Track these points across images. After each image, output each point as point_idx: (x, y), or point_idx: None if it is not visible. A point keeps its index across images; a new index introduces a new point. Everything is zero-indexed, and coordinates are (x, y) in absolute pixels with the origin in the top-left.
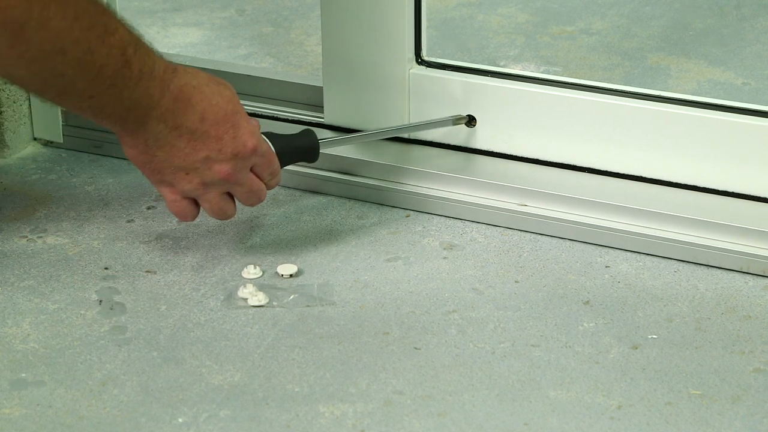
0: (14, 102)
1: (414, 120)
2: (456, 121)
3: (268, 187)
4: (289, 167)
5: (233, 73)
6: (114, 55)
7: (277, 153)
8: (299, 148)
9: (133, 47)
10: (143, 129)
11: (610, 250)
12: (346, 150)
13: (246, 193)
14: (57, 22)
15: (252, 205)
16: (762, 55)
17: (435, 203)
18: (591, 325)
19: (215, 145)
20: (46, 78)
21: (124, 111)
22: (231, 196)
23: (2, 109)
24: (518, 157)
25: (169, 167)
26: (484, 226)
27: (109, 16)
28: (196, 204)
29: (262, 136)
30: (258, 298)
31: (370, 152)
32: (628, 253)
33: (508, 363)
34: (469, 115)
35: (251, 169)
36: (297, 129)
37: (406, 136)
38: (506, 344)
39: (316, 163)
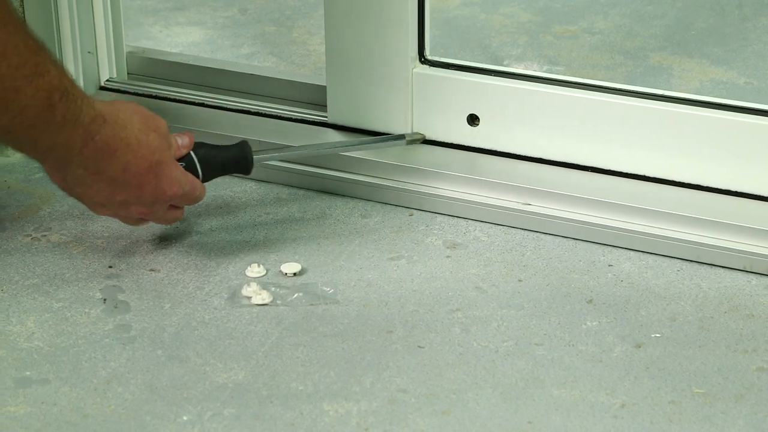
0: None
1: (417, 120)
2: (410, 138)
3: (189, 205)
4: (291, 167)
5: (236, 72)
6: (39, 97)
7: (202, 166)
8: (228, 160)
9: (59, 93)
10: (63, 170)
11: (614, 249)
12: (349, 149)
13: (160, 220)
14: None
15: (165, 223)
16: (764, 55)
17: (438, 202)
18: (594, 323)
19: (135, 192)
20: None
21: (44, 151)
22: None
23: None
24: (521, 156)
25: (88, 200)
26: (487, 225)
27: (42, 57)
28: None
29: (191, 153)
30: (262, 297)
31: (373, 151)
32: (632, 252)
33: (512, 361)
34: (471, 115)
35: (171, 204)
36: (300, 128)
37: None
38: (510, 343)
39: (319, 162)
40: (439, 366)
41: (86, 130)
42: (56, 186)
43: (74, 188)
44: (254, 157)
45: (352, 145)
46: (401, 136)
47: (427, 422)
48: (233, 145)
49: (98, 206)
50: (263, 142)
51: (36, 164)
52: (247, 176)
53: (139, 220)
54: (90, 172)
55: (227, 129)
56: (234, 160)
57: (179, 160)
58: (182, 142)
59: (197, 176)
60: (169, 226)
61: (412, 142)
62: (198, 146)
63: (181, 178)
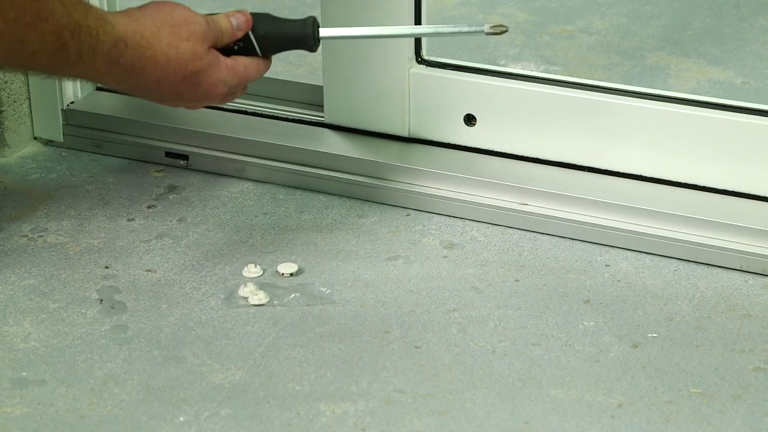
0: (14, 101)
1: (414, 120)
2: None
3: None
4: (289, 167)
5: None
6: (48, 41)
7: (261, 45)
8: (291, 36)
9: (69, 31)
10: (106, 82)
11: (610, 248)
12: (346, 149)
13: (220, 103)
14: None
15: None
16: (761, 55)
17: (435, 202)
18: (591, 323)
19: (176, 99)
20: None
21: (74, 77)
22: None
23: (2, 109)
24: (518, 156)
25: (145, 97)
26: (484, 225)
27: (42, 2)
28: None
29: (249, 33)
30: (258, 297)
31: (370, 151)
32: (628, 252)
33: (509, 362)
34: (468, 115)
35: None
36: (298, 128)
37: (406, 135)
38: (507, 343)
39: (316, 162)
40: (436, 366)
41: (107, 57)
42: None
43: (132, 93)
44: (320, 35)
45: (428, 33)
46: (480, 29)
47: (423, 422)
48: (297, 20)
49: (158, 100)
50: (260, 142)
51: (33, 164)
52: (311, 52)
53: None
54: (127, 86)
55: (224, 129)
56: (297, 36)
57: (235, 42)
58: (237, 24)
59: (256, 55)
60: (180, 222)
61: (492, 33)
62: (258, 21)
63: (225, 78)
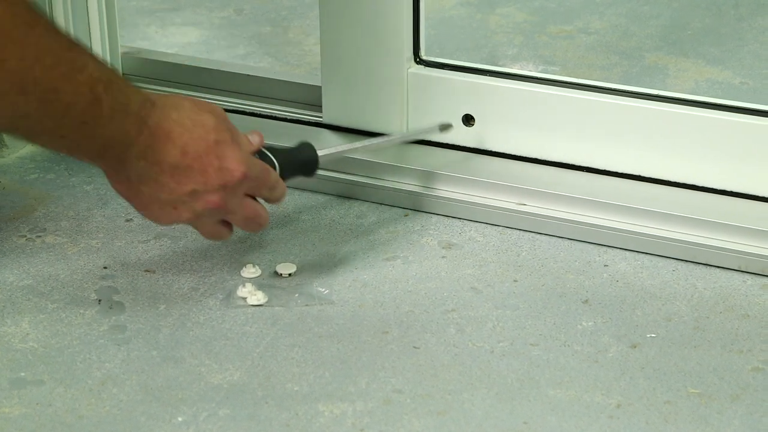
0: None
1: (412, 120)
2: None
3: (271, 201)
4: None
5: (232, 72)
6: (82, 92)
7: (279, 162)
8: (299, 162)
9: (103, 84)
10: (124, 166)
11: (609, 249)
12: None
13: (241, 221)
14: (14, 62)
15: (253, 231)
16: (760, 55)
17: (434, 202)
18: (590, 323)
19: (200, 178)
20: (11, 118)
21: (100, 148)
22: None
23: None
24: (516, 156)
25: (156, 202)
26: (482, 225)
27: (77, 52)
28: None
29: (263, 149)
30: (257, 298)
31: (368, 151)
32: (627, 252)
33: (507, 362)
34: (467, 115)
35: (246, 194)
36: (297, 129)
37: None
38: (505, 343)
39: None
40: (434, 366)
41: (137, 116)
42: (122, 197)
43: (141, 188)
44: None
45: (402, 139)
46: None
47: (422, 423)
48: (300, 145)
49: (170, 210)
50: None
51: (31, 165)
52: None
53: (218, 228)
54: (150, 162)
55: None
56: (305, 161)
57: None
58: (253, 140)
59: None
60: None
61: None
62: (271, 149)
63: (247, 160)
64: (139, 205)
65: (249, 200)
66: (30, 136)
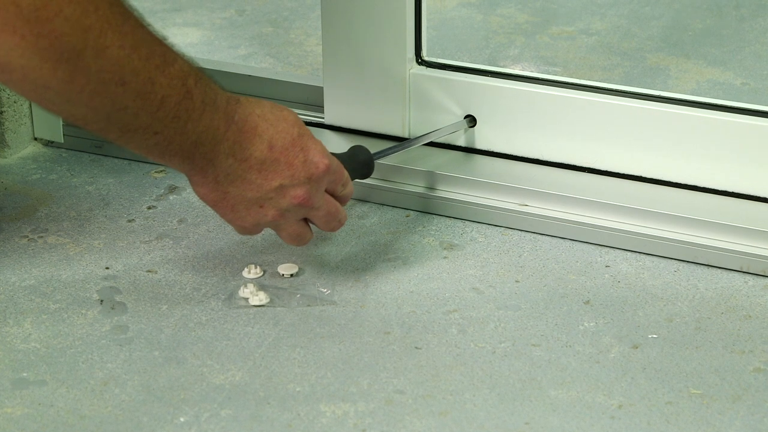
0: (15, 102)
1: (414, 121)
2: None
3: (342, 200)
4: None
5: (233, 73)
6: (175, 86)
7: (345, 164)
8: (359, 164)
9: (193, 78)
10: (212, 165)
11: (611, 249)
12: (396, 150)
13: (324, 217)
14: (114, 50)
15: (333, 229)
16: (761, 56)
17: (435, 203)
18: (591, 324)
19: (287, 172)
20: (109, 113)
21: (191, 146)
22: (307, 221)
23: (3, 109)
24: (518, 156)
25: (242, 202)
26: (484, 225)
27: (166, 46)
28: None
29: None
30: (259, 298)
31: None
32: (628, 253)
33: (509, 362)
34: (469, 115)
35: (327, 189)
36: None
37: (406, 135)
38: (507, 344)
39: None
40: (436, 367)
41: (225, 112)
42: (208, 204)
43: (228, 189)
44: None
45: (439, 135)
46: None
47: (424, 423)
48: (355, 148)
49: (256, 209)
50: None
51: (33, 165)
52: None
53: (301, 228)
54: (239, 159)
55: None
56: (365, 162)
57: None
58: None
59: None
60: (181, 223)
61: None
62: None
63: (327, 152)
64: (225, 208)
65: (329, 196)
66: (123, 134)
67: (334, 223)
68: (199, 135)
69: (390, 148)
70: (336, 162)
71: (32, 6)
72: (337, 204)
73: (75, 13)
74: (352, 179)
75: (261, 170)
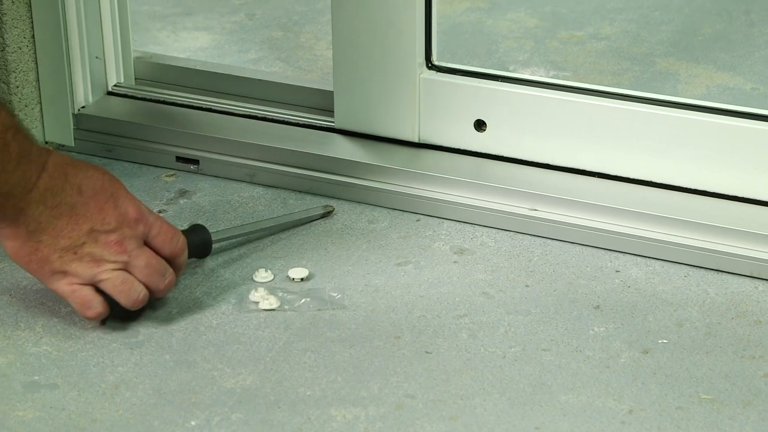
0: (26, 106)
1: (424, 126)
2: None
3: (174, 265)
4: (300, 172)
5: (243, 77)
6: None
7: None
8: (197, 243)
9: (12, 131)
10: (23, 214)
11: (621, 254)
12: (357, 154)
13: (144, 269)
14: None
15: (158, 287)
16: None
17: (445, 207)
18: (601, 329)
19: (98, 216)
20: None
21: (2, 198)
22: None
23: (14, 113)
24: (528, 161)
25: (55, 251)
26: (494, 230)
27: None
28: (99, 291)
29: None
30: (269, 302)
31: (380, 156)
32: (639, 258)
33: (519, 367)
34: (478, 120)
35: (148, 244)
36: (309, 134)
37: (416, 140)
38: (517, 348)
39: (327, 167)
40: (446, 371)
41: (37, 162)
42: (20, 264)
43: (40, 237)
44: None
45: (280, 222)
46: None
47: (434, 428)
48: (196, 227)
49: (70, 256)
50: (270, 147)
51: None
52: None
53: (122, 274)
54: (49, 207)
55: (235, 134)
56: (203, 242)
57: None
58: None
59: None
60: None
61: (325, 213)
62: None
63: (142, 206)
64: (38, 263)
65: (149, 250)
66: None
67: (156, 277)
68: (11, 186)
69: (231, 229)
70: (154, 216)
71: None
72: (161, 260)
73: None
74: (189, 257)
75: (71, 215)
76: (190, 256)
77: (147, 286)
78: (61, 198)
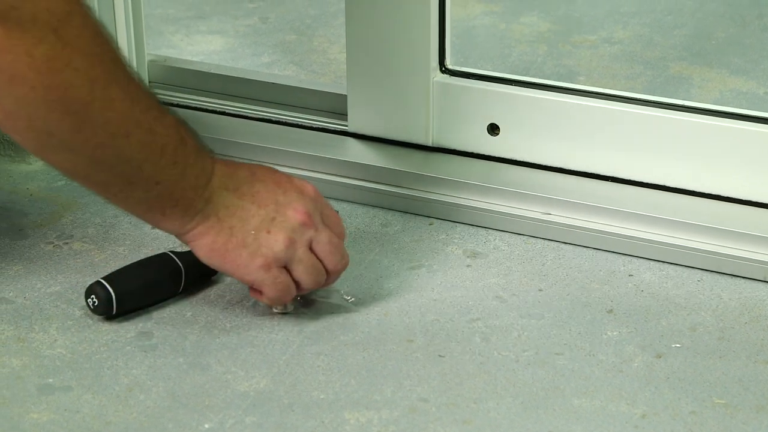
0: None
1: (437, 129)
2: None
3: (330, 271)
4: (313, 175)
5: (257, 80)
6: (171, 134)
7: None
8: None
9: (184, 127)
10: (211, 203)
11: (634, 258)
12: (370, 158)
13: (327, 246)
14: (120, 103)
15: (336, 268)
16: None
17: (459, 211)
18: (615, 333)
19: (278, 189)
20: (112, 165)
21: (190, 191)
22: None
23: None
24: (541, 165)
25: (248, 233)
26: (507, 234)
27: (156, 98)
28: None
29: (168, 253)
30: (283, 306)
31: (394, 160)
32: (652, 262)
33: (532, 371)
34: (492, 124)
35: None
36: (322, 137)
37: (429, 144)
38: (530, 352)
39: (340, 170)
40: (459, 375)
41: (208, 154)
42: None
43: (231, 223)
44: None
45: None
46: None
47: (448, 431)
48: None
49: (264, 235)
50: (283, 150)
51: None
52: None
53: (310, 254)
54: (231, 190)
55: (248, 138)
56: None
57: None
58: None
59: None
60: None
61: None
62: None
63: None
64: (234, 249)
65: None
66: (125, 187)
67: (337, 257)
68: (196, 177)
69: None
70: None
71: (45, 56)
72: (339, 240)
73: (83, 65)
74: (200, 279)
75: (253, 195)
76: (204, 268)
77: (324, 265)
78: (238, 180)
